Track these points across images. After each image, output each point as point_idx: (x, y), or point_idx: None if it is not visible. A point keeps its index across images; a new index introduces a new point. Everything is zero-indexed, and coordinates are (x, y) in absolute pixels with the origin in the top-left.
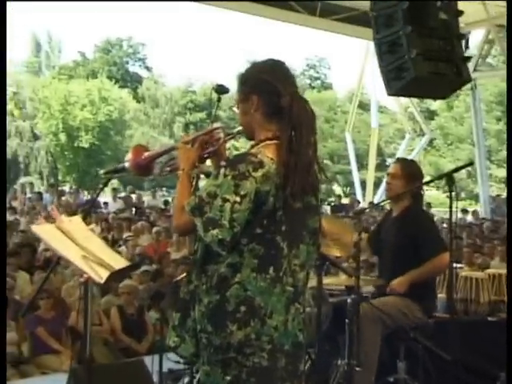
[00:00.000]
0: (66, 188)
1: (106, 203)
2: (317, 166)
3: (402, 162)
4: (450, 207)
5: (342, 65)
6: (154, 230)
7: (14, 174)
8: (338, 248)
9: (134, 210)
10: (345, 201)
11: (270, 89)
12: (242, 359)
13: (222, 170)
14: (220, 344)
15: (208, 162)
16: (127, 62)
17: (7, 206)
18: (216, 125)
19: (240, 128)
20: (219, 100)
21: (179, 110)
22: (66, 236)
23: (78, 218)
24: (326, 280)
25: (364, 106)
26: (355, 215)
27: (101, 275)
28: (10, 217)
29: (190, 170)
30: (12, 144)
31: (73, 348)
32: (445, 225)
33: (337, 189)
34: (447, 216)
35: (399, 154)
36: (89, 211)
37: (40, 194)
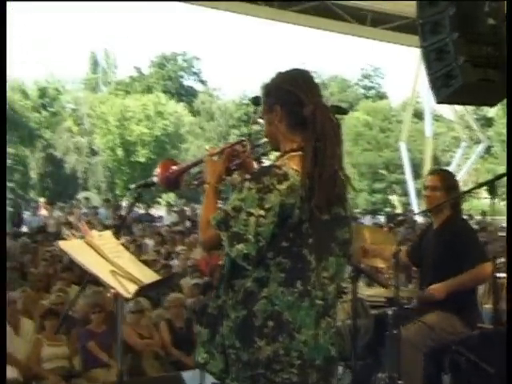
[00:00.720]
0: (124, 203)
1: (160, 217)
2: (343, 177)
3: (439, 172)
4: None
5: (396, 74)
6: None
7: (73, 189)
8: (380, 259)
9: (188, 222)
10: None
11: (292, 99)
12: (272, 375)
13: (247, 184)
14: (248, 360)
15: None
16: (182, 76)
17: (64, 221)
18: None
19: (265, 139)
20: (256, 112)
21: (234, 123)
22: (96, 251)
23: (108, 233)
24: (368, 291)
25: (419, 115)
26: (395, 225)
27: (129, 290)
28: (65, 231)
29: (216, 184)
30: (71, 160)
31: (122, 362)
32: (503, 233)
33: (393, 198)
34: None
35: (455, 163)
36: (121, 226)
37: (96, 208)
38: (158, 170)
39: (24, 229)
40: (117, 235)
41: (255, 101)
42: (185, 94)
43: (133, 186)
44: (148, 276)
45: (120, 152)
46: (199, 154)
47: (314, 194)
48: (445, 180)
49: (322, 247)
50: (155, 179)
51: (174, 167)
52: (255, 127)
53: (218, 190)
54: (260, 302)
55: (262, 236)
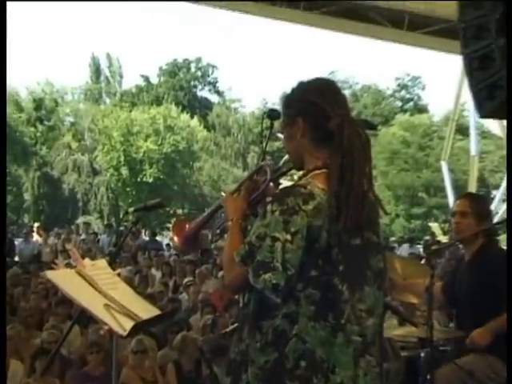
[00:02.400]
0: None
1: (168, 244)
2: (374, 199)
3: (471, 197)
4: None
5: (437, 84)
6: (221, 273)
7: (72, 212)
8: (413, 294)
9: (199, 251)
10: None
11: (317, 111)
12: None
13: (269, 207)
14: None
15: None
16: (195, 86)
17: (60, 248)
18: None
19: (286, 157)
20: (272, 126)
21: (253, 139)
22: (88, 282)
23: (102, 262)
24: (398, 331)
25: (464, 131)
26: (431, 255)
27: (124, 326)
28: (63, 261)
29: (239, 219)
30: (69, 180)
31: None
32: None
33: (433, 225)
34: None
35: (505, 185)
36: (116, 254)
37: (96, 234)
38: (173, 236)
39: (15, 258)
40: (112, 264)
41: (272, 115)
42: (198, 106)
43: (131, 209)
44: (147, 310)
45: (125, 171)
46: (214, 174)
47: (340, 215)
48: (475, 205)
49: (355, 276)
50: (172, 244)
51: (190, 224)
52: (277, 144)
53: (243, 227)
54: (291, 341)
55: (290, 263)
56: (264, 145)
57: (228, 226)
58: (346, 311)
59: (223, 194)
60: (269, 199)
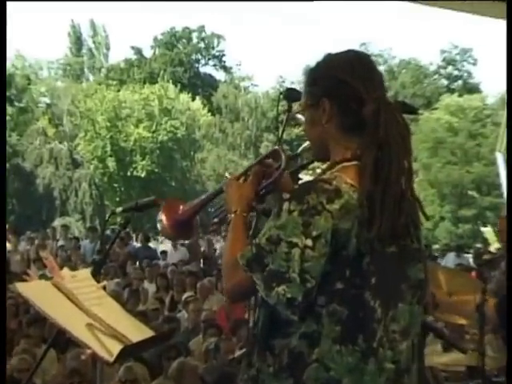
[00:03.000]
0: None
1: (164, 252)
2: (413, 199)
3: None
4: None
5: (492, 59)
6: None
7: (48, 213)
8: (461, 313)
9: (202, 261)
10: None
11: (347, 92)
12: None
13: (286, 205)
14: None
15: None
16: (197, 61)
17: (34, 256)
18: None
19: (306, 144)
20: (289, 110)
21: (267, 125)
22: (67, 297)
23: (84, 273)
24: (442, 358)
25: None
26: (483, 267)
27: (111, 350)
28: (37, 272)
29: (244, 212)
30: (45, 173)
31: None
32: None
33: (486, 230)
34: None
35: None
36: (101, 263)
37: (76, 239)
38: (161, 216)
39: None
40: (96, 276)
41: (290, 95)
42: (201, 85)
43: (119, 209)
44: (138, 331)
45: (112, 163)
46: (220, 166)
47: (374, 218)
48: None
49: (390, 290)
50: (159, 226)
51: (184, 206)
52: (297, 130)
53: (248, 221)
54: (311, 366)
55: (310, 274)
56: (280, 132)
57: (229, 218)
58: (379, 333)
59: (227, 175)
60: (285, 196)
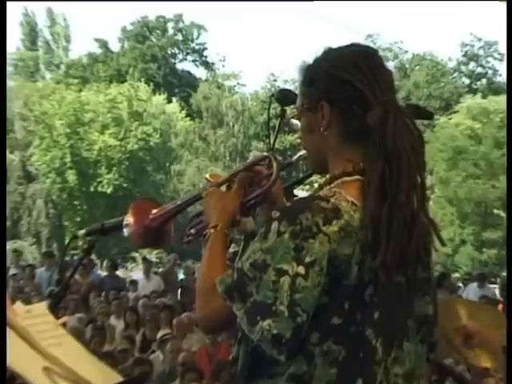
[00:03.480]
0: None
1: (134, 282)
2: (426, 220)
3: None
4: None
5: None
6: None
7: None
8: (484, 354)
9: (179, 292)
10: None
11: (351, 94)
12: None
13: (275, 225)
14: None
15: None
16: (174, 56)
17: None
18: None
19: (302, 153)
20: (283, 114)
21: (257, 131)
22: (20, 336)
23: (40, 307)
24: None
25: None
26: (507, 299)
27: None
28: None
29: (224, 228)
30: None
31: None
32: None
33: None
34: None
35: None
36: (60, 295)
37: (31, 267)
38: (128, 218)
39: None
40: (55, 310)
41: (283, 97)
42: (178, 85)
43: (81, 231)
44: (104, 376)
45: (72, 177)
46: (201, 181)
47: (380, 243)
48: None
49: (394, 326)
50: (126, 230)
51: (156, 211)
52: (291, 138)
53: (229, 239)
54: None
55: (301, 307)
56: (272, 140)
57: (207, 233)
58: (379, 376)
59: (208, 177)
60: (275, 214)
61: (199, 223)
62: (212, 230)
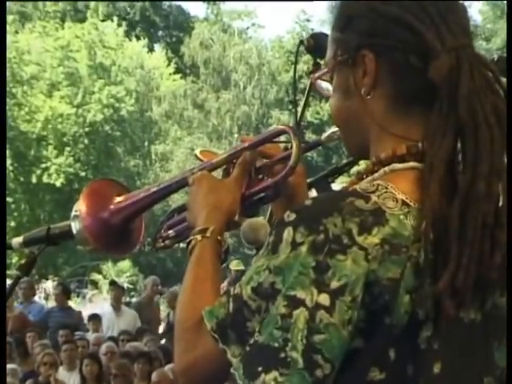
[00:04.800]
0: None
1: (94, 317)
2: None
3: None
4: None
5: None
6: None
7: None
8: None
9: (162, 328)
10: None
11: (405, 39)
12: None
13: (288, 233)
14: None
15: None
16: None
17: None
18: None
19: (332, 130)
20: (315, 67)
21: (279, 96)
22: None
23: None
24: None
25: None
26: None
27: None
28: None
29: (218, 233)
30: None
31: None
32: None
33: None
34: None
35: None
36: None
37: None
38: (79, 206)
39: None
40: None
41: (317, 44)
42: (163, 25)
43: (17, 239)
44: None
45: (8, 161)
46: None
47: (446, 259)
48: None
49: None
50: (74, 225)
51: (121, 199)
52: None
53: (222, 250)
54: None
55: (322, 354)
56: (301, 107)
57: (192, 240)
58: None
59: (197, 154)
60: (288, 217)
61: (182, 221)
62: (199, 237)
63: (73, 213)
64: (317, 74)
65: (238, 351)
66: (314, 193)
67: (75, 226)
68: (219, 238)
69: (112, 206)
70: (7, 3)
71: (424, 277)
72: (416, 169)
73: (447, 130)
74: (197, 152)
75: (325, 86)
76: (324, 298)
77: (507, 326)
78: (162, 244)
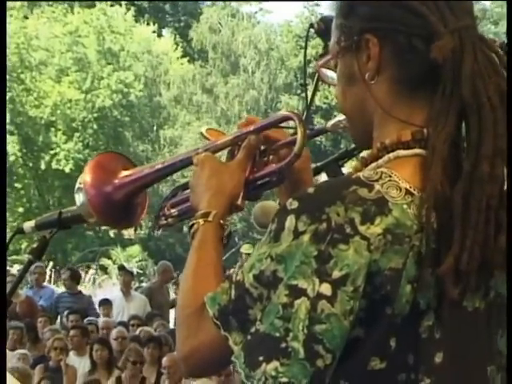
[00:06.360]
0: (16, 267)
1: (105, 302)
2: None
3: None
4: None
5: None
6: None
7: None
8: None
9: (172, 316)
10: None
11: (408, 21)
12: None
13: (291, 221)
14: None
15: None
16: None
17: None
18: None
19: (338, 119)
20: (325, 50)
21: (288, 81)
22: None
23: None
24: None
25: None
26: None
27: None
28: None
29: (221, 217)
30: None
31: None
32: None
33: None
34: None
35: None
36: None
37: None
38: (85, 178)
39: None
40: None
41: (326, 29)
42: (172, 11)
43: (29, 223)
44: None
45: (13, 147)
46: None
47: (450, 242)
48: None
49: (465, 375)
50: (78, 197)
51: (128, 172)
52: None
53: (226, 234)
54: None
55: (323, 344)
56: (311, 92)
57: (194, 224)
58: None
59: (203, 132)
60: (291, 204)
61: (185, 201)
62: (201, 221)
63: (77, 185)
64: (320, 62)
65: (239, 338)
66: (323, 177)
67: (79, 199)
68: (222, 222)
69: (116, 181)
70: None
71: (425, 265)
72: (420, 156)
73: (450, 112)
74: (203, 130)
75: (330, 74)
76: (326, 288)
77: (507, 325)
78: (165, 222)
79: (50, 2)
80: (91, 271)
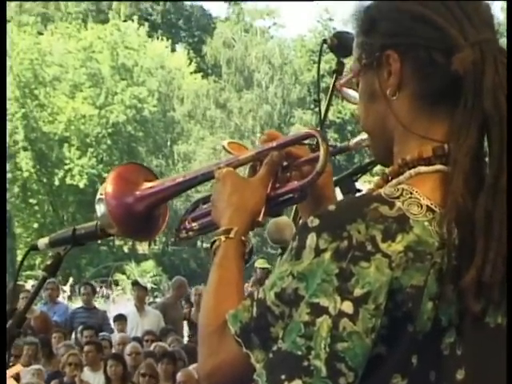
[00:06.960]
0: (30, 282)
1: (120, 318)
2: None
3: None
4: None
5: None
6: None
7: None
8: None
9: (187, 332)
10: None
11: (428, 36)
12: None
13: (312, 239)
14: None
15: None
16: None
17: None
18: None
19: (360, 138)
20: (340, 70)
21: (302, 95)
22: None
23: None
24: None
25: None
26: None
27: None
28: None
29: (242, 233)
30: None
31: None
32: None
33: None
34: None
35: None
36: (11, 336)
37: None
38: (106, 189)
39: None
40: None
41: (340, 44)
42: (186, 26)
43: (43, 240)
44: None
45: (27, 162)
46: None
47: (473, 256)
48: None
49: None
50: (99, 208)
51: (149, 184)
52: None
53: (247, 251)
54: None
55: (345, 362)
56: (324, 107)
57: (215, 241)
58: None
59: (225, 146)
60: (312, 222)
61: (206, 215)
62: (222, 238)
63: (98, 196)
64: (342, 81)
65: (261, 356)
66: (337, 192)
67: (99, 209)
68: (243, 238)
69: (138, 192)
70: (27, 5)
71: (447, 282)
72: (442, 172)
73: (472, 125)
74: (225, 143)
75: (352, 93)
76: (347, 306)
77: (507, 325)
78: (185, 235)
79: (64, 18)
80: (105, 286)
